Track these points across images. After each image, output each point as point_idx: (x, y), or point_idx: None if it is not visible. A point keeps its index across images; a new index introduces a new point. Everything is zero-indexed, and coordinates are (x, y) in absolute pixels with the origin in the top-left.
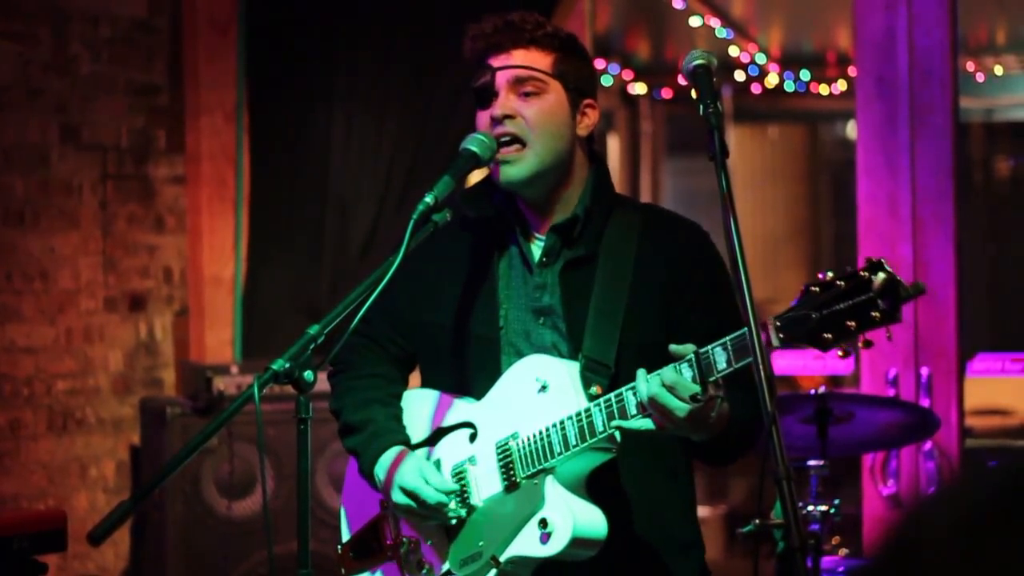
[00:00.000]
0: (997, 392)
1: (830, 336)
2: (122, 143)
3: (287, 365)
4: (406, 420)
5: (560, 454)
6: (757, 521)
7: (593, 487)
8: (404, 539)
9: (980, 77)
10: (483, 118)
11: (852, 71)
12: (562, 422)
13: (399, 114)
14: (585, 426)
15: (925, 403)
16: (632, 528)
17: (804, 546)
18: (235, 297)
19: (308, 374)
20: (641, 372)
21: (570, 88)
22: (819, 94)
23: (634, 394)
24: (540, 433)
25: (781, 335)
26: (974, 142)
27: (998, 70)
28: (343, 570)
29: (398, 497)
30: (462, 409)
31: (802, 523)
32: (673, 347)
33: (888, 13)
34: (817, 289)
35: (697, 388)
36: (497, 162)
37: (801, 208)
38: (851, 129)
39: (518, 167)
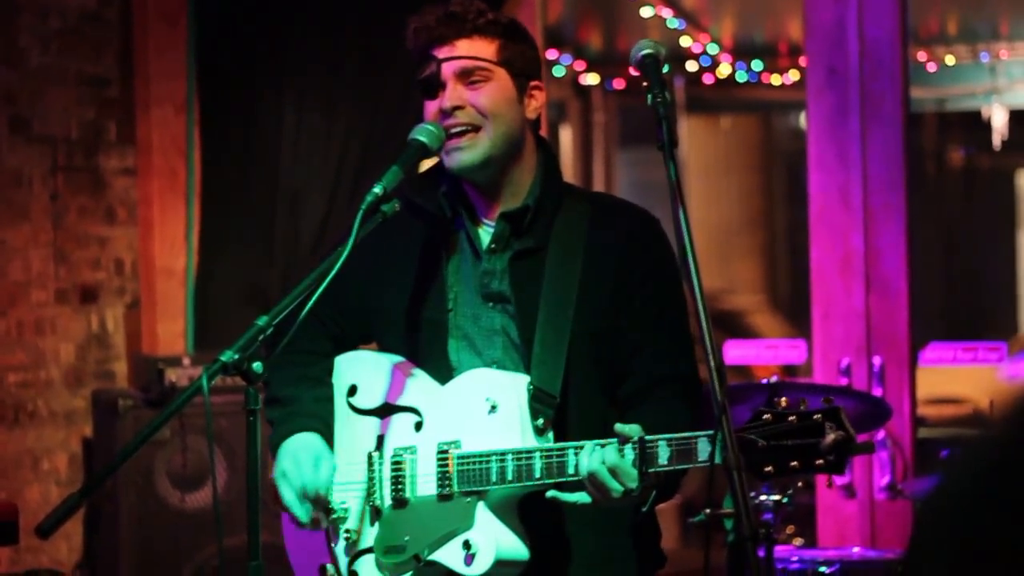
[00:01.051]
0: (949, 381)
1: (770, 469)
2: (72, 135)
3: (236, 356)
4: (359, 382)
5: (495, 483)
6: (708, 511)
7: None
8: (336, 505)
9: (932, 67)
10: (432, 108)
11: (804, 61)
12: (503, 455)
13: (350, 106)
14: (523, 468)
15: (878, 392)
16: (576, 511)
17: (755, 536)
18: (187, 289)
19: (257, 365)
20: (588, 446)
21: (516, 73)
22: (771, 84)
23: (575, 454)
24: (482, 456)
25: (724, 454)
26: (926, 132)
27: (949, 60)
28: (276, 505)
29: (277, 471)
30: (414, 390)
31: (753, 513)
32: (619, 427)
33: (838, 4)
34: (769, 417)
35: (635, 478)
36: (448, 151)
37: (755, 198)
38: (804, 119)
39: (472, 152)
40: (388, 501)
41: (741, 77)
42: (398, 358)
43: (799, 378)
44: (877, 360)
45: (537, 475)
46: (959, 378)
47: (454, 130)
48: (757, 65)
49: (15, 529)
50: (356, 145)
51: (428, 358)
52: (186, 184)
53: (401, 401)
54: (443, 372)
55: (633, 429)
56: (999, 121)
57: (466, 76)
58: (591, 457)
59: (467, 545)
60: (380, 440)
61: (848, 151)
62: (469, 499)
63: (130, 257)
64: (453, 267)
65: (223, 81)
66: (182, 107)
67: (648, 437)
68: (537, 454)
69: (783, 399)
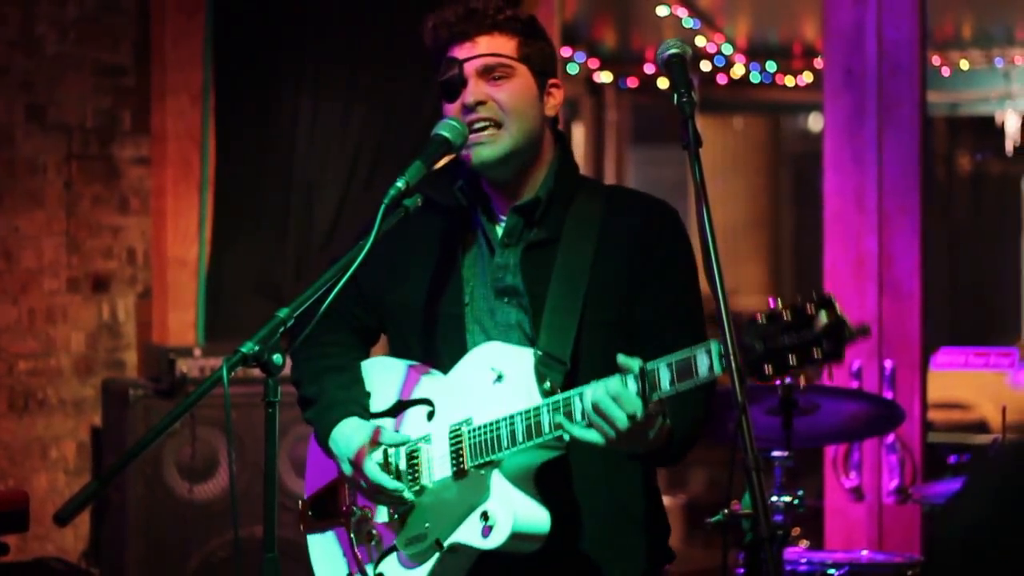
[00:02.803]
0: (956, 386)
1: (770, 369)
2: (88, 123)
3: (256, 348)
4: (373, 387)
5: (507, 448)
6: (726, 511)
7: (545, 467)
8: (356, 508)
9: (946, 71)
10: (451, 111)
11: (818, 63)
12: (512, 418)
13: (366, 98)
14: (533, 425)
15: (888, 396)
16: (586, 504)
17: (773, 536)
18: (199, 279)
19: (277, 357)
20: (593, 383)
21: (536, 70)
22: (784, 86)
23: (581, 399)
24: (491, 425)
25: (723, 362)
26: (937, 136)
27: (963, 65)
28: (301, 527)
29: (344, 466)
30: (426, 384)
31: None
32: (621, 359)
33: (857, 5)
34: (763, 320)
35: (640, 406)
36: (469, 145)
37: (762, 199)
38: (813, 121)
39: (492, 147)
40: (405, 496)
41: (755, 78)
42: (409, 361)
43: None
44: (888, 363)
45: (547, 429)
46: (963, 383)
47: (477, 125)
48: (771, 66)
49: (25, 517)
50: (372, 137)
51: (445, 353)
52: (200, 174)
53: (413, 396)
54: None
55: (634, 361)
56: (1012, 126)
57: (488, 73)
58: (594, 390)
59: (484, 516)
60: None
61: (864, 153)
62: (484, 471)
63: (142, 246)
64: (469, 262)
65: (239, 72)
66: (198, 97)
67: (648, 364)
68: (544, 408)
69: (778, 299)
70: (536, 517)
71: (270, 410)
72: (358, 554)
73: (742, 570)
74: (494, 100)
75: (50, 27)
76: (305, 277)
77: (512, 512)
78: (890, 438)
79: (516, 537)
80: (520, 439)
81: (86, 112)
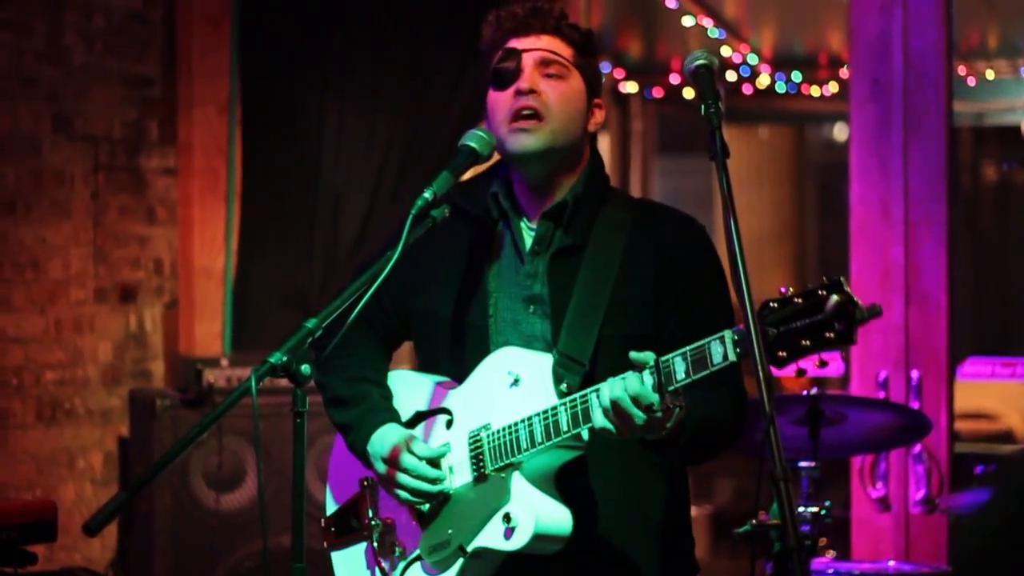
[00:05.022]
0: (982, 397)
1: (784, 354)
2: (114, 134)
3: (284, 358)
4: (396, 402)
5: (527, 450)
6: (754, 521)
7: (567, 474)
8: (379, 520)
9: (971, 81)
10: (499, 99)
11: (844, 73)
12: (530, 419)
13: (392, 108)
14: (551, 424)
15: (915, 406)
16: (607, 518)
17: (801, 547)
18: (225, 289)
19: (305, 367)
20: (608, 380)
21: (587, 82)
22: (810, 95)
23: (598, 396)
24: (509, 428)
25: (738, 349)
26: (962, 146)
27: (989, 74)
28: (324, 543)
29: (380, 466)
30: (444, 395)
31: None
32: (633, 355)
33: (884, 15)
34: (775, 305)
35: (656, 399)
36: (513, 130)
37: (787, 209)
38: (838, 131)
39: (535, 137)
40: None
41: (780, 88)
42: (436, 377)
43: (832, 390)
44: (915, 373)
45: (565, 428)
46: (990, 393)
47: (524, 112)
48: (796, 76)
49: (54, 527)
50: (398, 147)
51: (471, 363)
52: (227, 185)
53: (432, 406)
54: None
55: (648, 355)
56: None
57: (545, 66)
58: (613, 387)
59: (507, 518)
60: None
61: (890, 163)
62: (504, 474)
63: (169, 257)
64: (494, 272)
65: (266, 82)
66: (224, 107)
67: (663, 357)
68: (561, 408)
69: (790, 288)
70: (558, 518)
71: (298, 420)
72: (382, 565)
73: None
74: (546, 93)
75: (77, 38)
76: (332, 287)
77: (534, 513)
78: (917, 448)
79: (539, 538)
80: (539, 440)
81: (113, 123)
